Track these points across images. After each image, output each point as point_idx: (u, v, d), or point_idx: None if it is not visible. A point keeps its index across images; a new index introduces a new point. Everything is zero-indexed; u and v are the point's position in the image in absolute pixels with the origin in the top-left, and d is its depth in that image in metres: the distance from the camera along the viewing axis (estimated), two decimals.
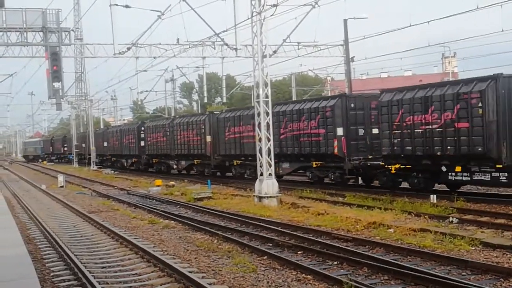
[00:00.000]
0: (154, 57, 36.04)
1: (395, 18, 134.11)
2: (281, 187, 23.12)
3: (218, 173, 37.17)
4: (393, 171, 22.02)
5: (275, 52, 35.13)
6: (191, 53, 36.34)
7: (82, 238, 16.83)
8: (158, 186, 31.80)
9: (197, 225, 18.02)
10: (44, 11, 31.97)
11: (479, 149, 18.53)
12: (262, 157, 22.29)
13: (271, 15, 22.37)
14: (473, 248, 12.75)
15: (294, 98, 53.86)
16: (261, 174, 22.24)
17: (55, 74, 30.13)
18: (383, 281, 10.68)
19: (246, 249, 13.98)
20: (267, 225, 17.09)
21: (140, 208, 23.92)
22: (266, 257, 12.97)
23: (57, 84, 30.16)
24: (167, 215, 20.86)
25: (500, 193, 21.85)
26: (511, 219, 16.18)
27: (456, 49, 68.85)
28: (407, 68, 72.68)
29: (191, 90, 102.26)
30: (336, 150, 24.73)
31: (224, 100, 61.40)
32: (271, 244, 14.50)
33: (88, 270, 11.85)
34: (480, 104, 18.40)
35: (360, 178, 26.17)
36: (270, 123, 22.52)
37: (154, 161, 44.91)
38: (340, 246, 13.49)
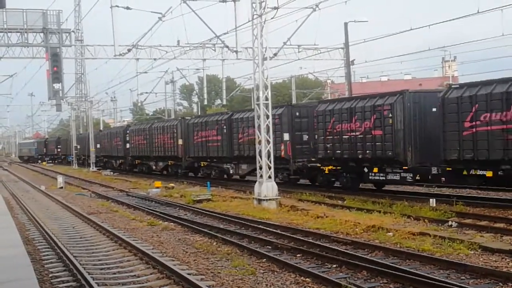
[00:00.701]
0: (155, 59, 36.05)
1: (396, 21, 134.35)
2: (280, 190, 23.12)
3: (191, 174, 39.98)
4: (326, 172, 25.54)
5: (275, 54, 35.13)
6: (191, 55, 36.34)
7: (81, 239, 16.82)
8: (158, 187, 31.79)
9: (196, 227, 18.02)
10: (45, 12, 31.95)
11: (389, 153, 21.95)
12: (261, 159, 22.29)
13: (272, 18, 22.40)
14: (472, 252, 12.75)
15: (294, 101, 53.90)
16: (261, 177, 22.23)
17: (55, 75, 30.10)
18: (382, 284, 10.68)
19: (245, 251, 13.98)
20: (266, 228, 17.09)
21: (139, 209, 23.91)
22: (265, 259, 12.97)
23: (57, 85, 30.12)
24: (166, 217, 20.85)
25: (499, 197, 21.85)
26: (510, 224, 16.18)
27: (456, 53, 68.94)
28: (407, 71, 72.73)
29: (191, 92, 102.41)
30: (282, 153, 27.82)
31: (224, 103, 61.42)
32: (270, 247, 14.49)
33: (87, 272, 11.85)
34: (390, 115, 21.79)
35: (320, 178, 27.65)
36: (270, 125, 22.53)
37: (137, 162, 47.97)
38: (339, 249, 13.49)
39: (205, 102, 65.43)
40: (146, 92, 60.49)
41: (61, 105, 38.06)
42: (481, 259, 12.22)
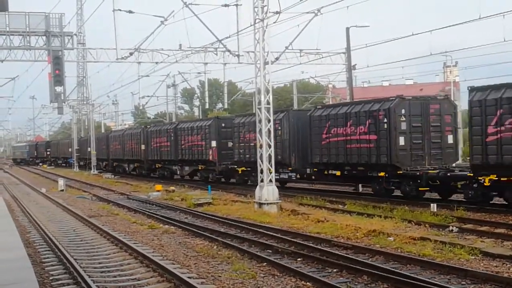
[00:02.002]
0: (156, 63, 36.10)
1: (398, 27, 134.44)
2: (281, 194, 23.13)
3: (152, 174, 46.41)
4: (240, 172, 32.17)
5: (277, 59, 35.17)
6: (193, 59, 36.42)
7: (82, 242, 16.82)
8: (158, 191, 31.79)
9: (197, 230, 18.02)
10: (47, 15, 32.02)
11: (279, 157, 27.36)
12: (262, 163, 22.29)
13: (274, 22, 22.42)
14: (473, 257, 12.74)
15: (295, 106, 53.91)
16: (262, 181, 22.23)
17: (57, 78, 30.14)
18: None
19: (246, 255, 13.97)
20: (267, 232, 17.08)
21: (140, 213, 23.92)
22: (265, 263, 12.96)
23: (59, 88, 30.17)
24: (167, 220, 20.85)
25: (500, 202, 21.82)
26: (511, 229, 16.16)
27: (458, 59, 68.84)
28: (409, 76, 72.73)
29: (192, 96, 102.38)
30: (210, 157, 34.56)
31: (226, 106, 61.46)
32: (270, 251, 14.49)
33: (87, 275, 11.85)
34: (279, 128, 28.02)
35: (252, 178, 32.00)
36: (271, 129, 22.54)
37: (115, 164, 55.20)
38: (340, 253, 13.48)
39: (207, 106, 65.52)
40: (148, 96, 60.70)
41: (63, 108, 38.21)
42: (482, 264, 12.21)
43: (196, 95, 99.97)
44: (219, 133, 34.31)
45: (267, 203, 21.85)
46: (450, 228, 16.40)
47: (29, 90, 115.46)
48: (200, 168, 36.70)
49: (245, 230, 18.01)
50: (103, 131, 71.81)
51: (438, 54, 42.84)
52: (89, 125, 65.70)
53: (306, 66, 41.42)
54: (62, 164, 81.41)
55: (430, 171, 21.94)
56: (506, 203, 19.63)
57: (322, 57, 38.75)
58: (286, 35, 54.87)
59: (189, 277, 11.43)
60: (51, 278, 12.11)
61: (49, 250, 15.27)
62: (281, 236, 16.18)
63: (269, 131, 22.43)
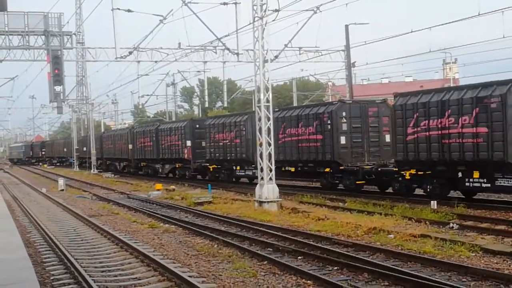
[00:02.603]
0: (156, 61, 36.13)
1: (397, 24, 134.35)
2: (281, 192, 23.13)
3: (140, 172, 49.16)
4: (211, 170, 35.30)
5: (276, 57, 35.18)
6: (192, 58, 36.46)
7: (82, 241, 16.83)
8: (159, 190, 31.79)
9: (197, 229, 18.02)
10: (46, 15, 32.01)
11: (244, 155, 31.22)
12: (262, 161, 22.29)
13: (273, 20, 22.42)
14: (474, 254, 12.74)
15: (295, 103, 53.90)
16: (262, 179, 22.23)
17: (57, 77, 30.14)
18: (383, 286, 10.69)
19: (247, 254, 13.98)
20: (268, 230, 17.08)
21: (140, 212, 23.92)
22: (266, 262, 12.97)
23: (58, 88, 30.17)
24: (167, 219, 20.85)
25: (500, 199, 21.86)
26: (511, 226, 16.17)
27: (457, 55, 69.03)
28: (408, 73, 72.64)
29: (192, 95, 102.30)
30: (186, 156, 37.69)
31: (225, 105, 61.42)
32: (271, 249, 14.49)
33: (88, 274, 11.85)
34: (243, 129, 31.21)
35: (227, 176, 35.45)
36: (271, 128, 22.53)
37: (108, 163, 58.42)
38: (340, 251, 13.48)
39: (206, 105, 65.49)
40: (147, 95, 60.71)
41: (62, 108, 38.15)
42: (482, 261, 12.22)
43: (195, 94, 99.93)
44: (193, 133, 37.52)
45: (267, 202, 21.85)
46: (451, 225, 16.40)
47: (29, 89, 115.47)
48: (177, 166, 40.23)
49: (246, 228, 18.01)
50: (102, 130, 71.78)
51: (437, 51, 42.93)
52: (89, 125, 65.70)
53: (305, 64, 41.46)
54: (57, 164, 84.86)
55: (366, 167, 24.61)
56: (464, 196, 21.64)
57: (322, 55, 38.77)
58: (285, 33, 54.83)
59: (189, 276, 11.43)
60: (52, 278, 12.11)
61: (49, 250, 15.28)
62: (281, 235, 16.18)
63: (268, 129, 22.42)
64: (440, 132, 19.99)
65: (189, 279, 11.04)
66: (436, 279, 10.56)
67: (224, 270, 12.32)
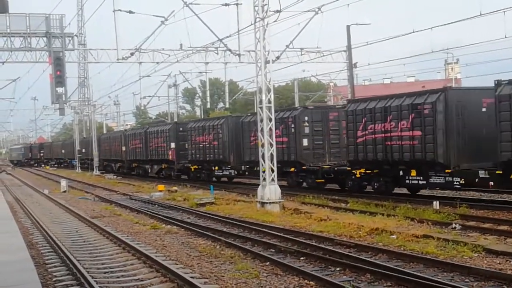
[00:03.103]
0: (157, 63, 36.09)
1: (399, 24, 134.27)
2: (283, 193, 23.12)
3: (132, 172, 51.38)
4: (193, 170, 38.28)
5: (278, 58, 35.14)
6: (194, 59, 36.41)
7: (85, 243, 16.83)
8: (161, 191, 31.80)
9: (199, 230, 18.02)
10: (47, 16, 32.03)
11: (221, 156, 33.91)
12: (264, 162, 22.28)
13: (274, 21, 22.39)
14: (476, 255, 12.72)
15: (297, 104, 53.87)
16: (264, 180, 22.22)
17: (59, 79, 30.14)
18: (385, 287, 10.67)
19: (249, 255, 13.97)
20: (270, 231, 17.07)
21: (143, 213, 23.92)
22: (268, 263, 12.96)
23: (60, 89, 30.17)
24: (169, 220, 20.85)
25: (503, 199, 21.82)
26: None
27: (459, 55, 68.63)
28: (410, 74, 72.54)
29: (193, 96, 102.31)
30: (170, 157, 40.33)
31: (227, 106, 61.38)
32: (273, 250, 14.49)
33: (90, 276, 11.86)
34: (220, 132, 33.82)
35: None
36: (273, 128, 22.53)
37: (105, 164, 60.65)
38: (343, 252, 13.47)
39: (208, 106, 65.47)
40: (149, 96, 60.76)
41: (64, 109, 38.20)
42: (485, 261, 12.19)
43: (197, 95, 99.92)
44: (177, 136, 39.91)
45: (270, 202, 21.84)
46: (453, 225, 16.37)
47: (31, 91, 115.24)
48: (163, 166, 43.02)
49: (248, 229, 18.00)
50: (104, 132, 71.91)
51: (439, 51, 42.84)
52: (91, 126, 65.74)
53: (307, 64, 41.40)
54: (54, 165, 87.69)
55: (325, 167, 26.82)
56: (410, 192, 24.14)
57: (323, 56, 38.71)
58: (287, 34, 54.99)
59: (192, 277, 11.43)
60: (54, 279, 12.13)
61: (52, 252, 15.29)
62: (283, 235, 16.17)
63: (270, 130, 22.42)
64: (384, 135, 22.22)
65: (191, 280, 11.04)
66: (439, 280, 10.54)
67: (226, 271, 12.32)
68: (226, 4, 31.52)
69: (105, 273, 12.69)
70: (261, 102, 22.46)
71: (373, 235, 15.48)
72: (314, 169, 26.96)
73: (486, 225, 16.41)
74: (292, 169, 28.05)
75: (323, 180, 26.99)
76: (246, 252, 14.24)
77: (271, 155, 22.35)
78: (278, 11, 21.87)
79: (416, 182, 21.78)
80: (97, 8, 53.31)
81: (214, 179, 36.90)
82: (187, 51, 34.90)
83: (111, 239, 17.14)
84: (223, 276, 11.88)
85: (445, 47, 60.41)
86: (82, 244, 16.58)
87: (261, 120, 22.40)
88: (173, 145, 39.92)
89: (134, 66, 37.68)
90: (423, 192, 24.39)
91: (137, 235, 18.00)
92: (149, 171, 46.13)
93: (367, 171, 23.48)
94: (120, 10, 30.89)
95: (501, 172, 18.28)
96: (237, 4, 32.02)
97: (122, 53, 33.16)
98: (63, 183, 38.60)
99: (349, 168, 24.32)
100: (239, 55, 33.85)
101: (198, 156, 36.62)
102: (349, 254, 13.25)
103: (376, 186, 23.65)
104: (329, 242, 15.03)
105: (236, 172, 33.68)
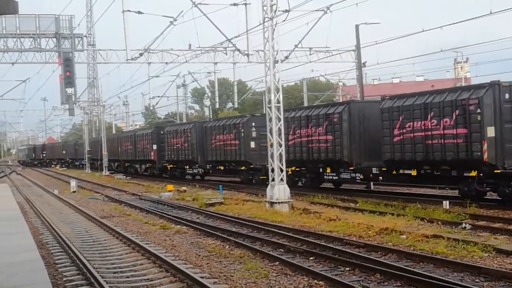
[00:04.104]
0: (166, 63, 36.13)
1: (408, 23, 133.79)
2: (292, 193, 23.10)
3: (126, 171, 55.51)
4: (169, 169, 43.59)
5: (287, 57, 35.11)
6: (202, 59, 36.39)
7: (95, 243, 16.88)
8: (170, 191, 31.86)
9: (209, 230, 18.03)
10: (57, 17, 32.17)
11: (190, 157, 38.86)
12: (273, 162, 22.27)
13: (283, 21, 22.42)
14: (487, 255, 12.66)
15: (306, 104, 53.84)
16: (273, 180, 22.22)
17: (68, 79, 30.28)
18: (395, 287, 10.64)
19: (258, 254, 13.96)
20: (279, 231, 17.06)
21: (152, 213, 23.97)
22: (278, 263, 12.95)
23: (69, 90, 30.30)
24: (179, 220, 20.88)
25: None
26: None
27: (469, 54, 68.56)
28: (419, 73, 72.26)
29: (202, 96, 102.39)
30: (153, 157, 46.07)
31: (236, 106, 61.41)
32: (283, 250, 14.48)
33: (100, 275, 11.88)
34: (189, 135, 38.76)
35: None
36: (282, 128, 22.52)
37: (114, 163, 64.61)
38: (352, 252, 13.44)
39: (217, 106, 65.51)
40: (158, 96, 60.84)
41: (74, 110, 38.36)
42: (496, 261, 12.14)
43: (206, 95, 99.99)
44: (158, 138, 44.98)
45: (279, 202, 21.83)
46: (463, 225, 16.31)
47: (40, 92, 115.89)
48: (148, 166, 48.62)
49: (257, 229, 18.00)
50: (114, 132, 72.15)
51: (448, 50, 42.63)
52: (100, 126, 65.96)
53: (316, 64, 41.29)
54: (63, 166, 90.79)
55: (267, 165, 29.28)
56: (334, 187, 28.67)
57: (332, 55, 38.64)
58: (296, 34, 54.79)
59: (201, 277, 11.43)
60: (64, 279, 12.17)
61: (62, 252, 15.34)
62: (293, 235, 16.15)
63: (279, 129, 22.41)
64: (307, 138, 26.87)
65: (201, 280, 11.05)
66: (449, 280, 10.50)
67: (235, 271, 12.32)
68: (235, 4, 31.52)
69: (114, 273, 12.72)
70: (269, 102, 22.46)
71: (382, 235, 15.45)
72: (260, 167, 31.25)
73: (497, 225, 16.34)
74: (243, 168, 33.46)
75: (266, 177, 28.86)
76: (256, 252, 14.24)
77: (280, 155, 22.33)
78: (287, 11, 21.88)
79: (331, 177, 26.68)
80: (106, 8, 53.52)
81: (185, 176, 42.55)
82: (196, 51, 34.94)
83: (120, 239, 17.18)
84: (232, 276, 11.88)
85: (455, 46, 60.17)
86: (92, 244, 16.63)
87: (270, 120, 22.39)
88: (155, 146, 45.36)
89: (143, 66, 37.87)
90: (433, 191, 24.33)
91: (147, 235, 18.04)
92: (138, 170, 51.78)
93: (297, 169, 28.05)
94: (129, 11, 30.96)
95: (385, 169, 22.81)
96: (245, 4, 32.00)
97: (131, 53, 33.26)
98: (73, 183, 38.74)
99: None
100: (247, 55, 33.84)
101: (173, 156, 41.97)
102: (359, 254, 13.23)
103: (303, 181, 28.38)
104: (338, 242, 15.01)
105: (202, 171, 38.61)
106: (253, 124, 32.57)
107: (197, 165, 38.58)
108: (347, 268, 12.12)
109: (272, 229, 17.47)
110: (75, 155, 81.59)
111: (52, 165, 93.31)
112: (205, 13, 29.00)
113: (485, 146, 18.74)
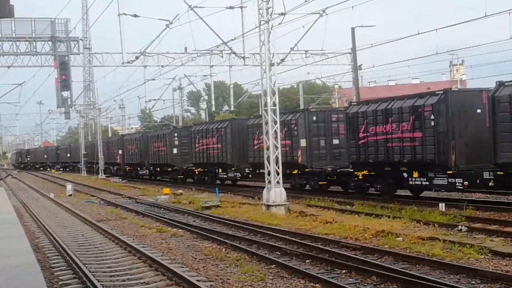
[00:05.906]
0: (162, 66, 36.05)
1: (403, 26, 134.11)
2: (289, 196, 23.10)
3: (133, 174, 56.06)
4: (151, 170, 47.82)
5: (282, 60, 35.08)
6: (198, 62, 36.31)
7: (91, 246, 16.85)
8: (166, 194, 31.82)
9: (205, 233, 18.02)
10: (53, 21, 32.08)
11: (168, 161, 42.24)
12: (270, 165, 22.28)
13: (279, 24, 22.43)
14: (482, 257, 12.68)
15: (302, 107, 53.86)
16: (269, 183, 22.22)
17: (64, 83, 30.20)
18: None
19: (254, 257, 13.97)
20: (275, 234, 17.06)
21: (148, 216, 23.95)
22: (274, 265, 12.95)
23: (65, 93, 30.22)
24: (175, 223, 20.87)
25: (509, 201, 21.75)
26: None
27: (464, 57, 68.82)
28: (415, 76, 72.38)
29: (198, 99, 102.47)
30: (140, 160, 49.62)
31: (232, 109, 61.39)
32: (279, 253, 14.48)
33: (96, 279, 11.87)
34: (167, 140, 42.35)
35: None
36: (278, 131, 22.53)
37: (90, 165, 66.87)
38: (349, 254, 13.46)
39: (213, 109, 65.51)
40: (154, 99, 60.69)
41: (70, 113, 38.29)
42: (492, 263, 12.16)
43: (202, 98, 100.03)
44: (146, 142, 48.10)
45: (275, 205, 21.84)
46: (459, 227, 16.34)
47: (36, 95, 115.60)
48: (138, 169, 51.99)
49: (253, 232, 18.00)
50: (110, 135, 72.11)
51: (444, 52, 42.70)
52: (96, 130, 65.91)
53: (312, 67, 41.27)
54: (40, 169, 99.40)
55: (190, 167, 38.41)
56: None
57: (328, 58, 38.60)
58: (292, 36, 54.79)
59: (198, 280, 11.43)
60: (60, 283, 12.15)
61: (58, 255, 15.31)
62: (289, 238, 16.16)
63: (275, 132, 22.42)
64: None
65: (197, 283, 11.04)
66: (445, 282, 10.51)
67: (232, 274, 12.32)
68: (231, 7, 31.52)
69: (111, 276, 12.71)
70: (266, 104, 22.48)
71: (378, 237, 15.47)
72: (187, 170, 39.98)
73: (492, 227, 16.35)
74: (170, 169, 42.58)
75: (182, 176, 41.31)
76: (252, 255, 14.24)
77: (276, 157, 22.34)
78: (283, 14, 21.90)
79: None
80: (102, 12, 53.48)
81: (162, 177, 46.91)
82: (192, 54, 34.90)
83: (117, 242, 17.15)
84: (229, 279, 11.88)
85: (450, 49, 60.26)
86: (88, 248, 16.60)
87: (266, 123, 22.41)
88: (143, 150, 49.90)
89: (139, 69, 37.66)
90: (429, 194, 24.36)
91: (143, 238, 18.02)
92: (127, 170, 55.62)
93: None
94: (125, 14, 30.90)
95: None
96: (241, 7, 32.00)
97: (127, 56, 33.18)
98: (69, 186, 38.67)
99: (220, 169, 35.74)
100: (243, 57, 33.83)
101: (154, 159, 46.14)
102: (355, 256, 13.24)
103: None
104: (334, 245, 15.02)
105: (180, 174, 42.96)
106: (176, 134, 41.81)
107: (174, 167, 42.92)
108: (344, 271, 12.13)
109: (269, 232, 17.47)
110: (56, 159, 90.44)
111: (48, 169, 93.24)
112: (201, 16, 29.01)
113: (299, 153, 27.38)
